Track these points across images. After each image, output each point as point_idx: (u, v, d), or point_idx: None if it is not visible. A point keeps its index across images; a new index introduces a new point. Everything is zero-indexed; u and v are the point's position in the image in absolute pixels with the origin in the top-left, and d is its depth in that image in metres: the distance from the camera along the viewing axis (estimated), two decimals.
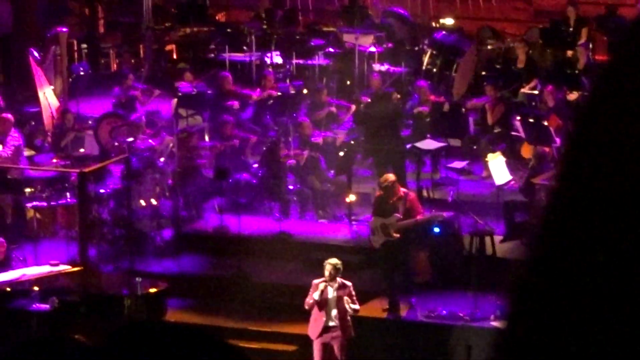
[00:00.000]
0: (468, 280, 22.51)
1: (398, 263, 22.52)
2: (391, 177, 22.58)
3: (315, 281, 20.50)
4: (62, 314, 20.45)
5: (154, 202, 24.77)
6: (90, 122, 26.44)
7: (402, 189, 22.61)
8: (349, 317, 20.67)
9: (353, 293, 20.78)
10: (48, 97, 26.82)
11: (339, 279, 20.59)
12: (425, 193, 24.94)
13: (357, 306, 20.84)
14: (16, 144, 25.03)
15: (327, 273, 20.40)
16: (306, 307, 20.57)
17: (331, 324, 20.58)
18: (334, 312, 20.60)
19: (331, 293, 20.53)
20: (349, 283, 20.73)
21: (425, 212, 22.95)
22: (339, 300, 20.61)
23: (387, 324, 22.10)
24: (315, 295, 20.33)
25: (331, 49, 29.44)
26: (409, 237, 22.46)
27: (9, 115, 25.45)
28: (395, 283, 22.43)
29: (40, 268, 22.30)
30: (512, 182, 24.34)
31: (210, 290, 23.01)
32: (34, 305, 20.61)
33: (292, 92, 27.88)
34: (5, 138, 24.94)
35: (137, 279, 21.15)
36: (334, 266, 20.50)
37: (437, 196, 25.01)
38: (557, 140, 24.68)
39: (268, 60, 29.26)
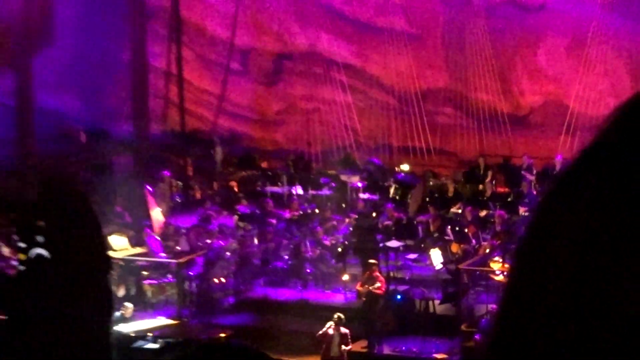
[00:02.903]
0: (418, 328, 22.71)
1: (374, 318, 22.69)
2: (372, 261, 23.16)
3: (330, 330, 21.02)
4: (166, 350, 20.62)
5: (223, 280, 25.06)
6: (183, 230, 26.50)
7: (376, 272, 23.00)
8: (344, 352, 21.14)
9: (349, 337, 21.22)
10: (157, 215, 26.92)
11: (341, 328, 21.03)
12: (391, 274, 24.94)
13: (349, 346, 21.29)
14: (152, 244, 25.44)
15: (335, 318, 20.92)
16: (317, 337, 21.03)
17: (333, 354, 21.04)
18: (336, 348, 21.05)
19: (335, 335, 20.98)
20: (346, 330, 21.16)
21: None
22: (340, 340, 21.04)
23: (366, 356, 22.14)
24: (325, 329, 20.92)
25: (333, 184, 29.57)
26: (380, 302, 22.84)
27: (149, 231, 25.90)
28: (371, 330, 22.66)
29: (152, 321, 22.62)
30: (444, 267, 24.50)
31: (259, 336, 23.11)
32: (148, 345, 21.03)
33: (309, 211, 27.98)
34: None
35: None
36: (339, 317, 21.02)
37: (399, 276, 25.04)
38: (473, 241, 24.99)
39: (294, 192, 29.31)
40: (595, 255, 1.22)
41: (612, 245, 1.21)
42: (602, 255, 1.21)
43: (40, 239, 1.94)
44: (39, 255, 1.97)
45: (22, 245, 2.05)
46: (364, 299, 22.87)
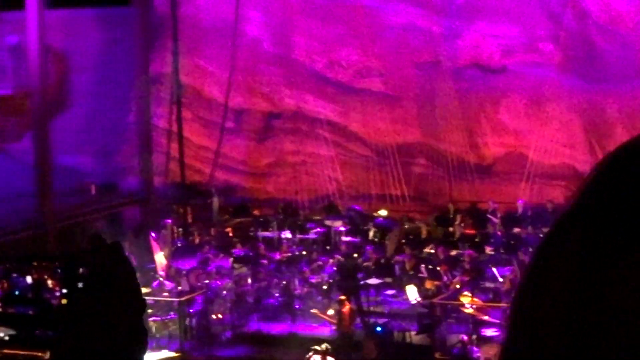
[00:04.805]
0: (396, 357, 22.63)
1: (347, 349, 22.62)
2: (341, 298, 23.28)
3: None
4: None
5: (220, 316, 24.90)
6: (184, 272, 26.37)
7: (344, 308, 22.89)
8: None
9: None
10: (160, 258, 26.91)
11: (328, 357, 20.85)
12: (372, 308, 24.97)
13: None
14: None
15: (322, 347, 20.73)
16: None
17: None
18: None
19: None
20: (332, 359, 20.98)
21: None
22: None
23: None
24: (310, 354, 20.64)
25: (318, 229, 29.34)
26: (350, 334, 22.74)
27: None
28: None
29: (157, 354, 22.48)
30: (419, 301, 24.29)
31: None
32: None
33: (297, 253, 27.80)
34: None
35: None
36: (326, 347, 20.89)
37: (379, 310, 25.02)
38: (444, 277, 24.82)
39: (283, 236, 29.13)
40: (582, 287, 1.27)
41: (596, 279, 1.26)
42: (588, 287, 1.26)
43: (81, 285, 1.88)
44: (80, 299, 1.89)
45: (64, 290, 2.00)
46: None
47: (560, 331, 1.27)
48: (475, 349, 21.06)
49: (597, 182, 1.31)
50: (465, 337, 21.47)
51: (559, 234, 1.33)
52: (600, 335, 1.23)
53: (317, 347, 21.16)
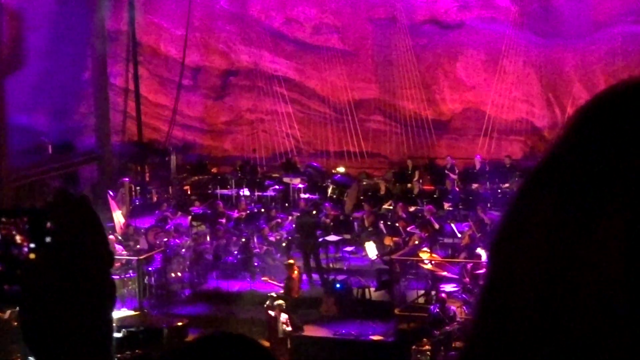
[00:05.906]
0: (356, 313, 22.56)
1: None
2: (290, 262, 23.00)
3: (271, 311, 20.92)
4: (128, 339, 20.38)
5: (179, 274, 24.78)
6: (142, 230, 26.28)
7: (293, 273, 22.62)
8: (288, 334, 21.04)
9: (289, 321, 21.09)
10: (118, 216, 26.66)
11: (282, 314, 20.93)
12: (331, 265, 24.85)
13: (290, 328, 21.15)
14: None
15: (281, 303, 20.80)
16: (265, 316, 20.96)
17: (280, 336, 20.93)
18: (281, 329, 20.95)
19: (280, 320, 20.88)
20: (286, 315, 21.04)
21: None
22: (284, 324, 20.95)
23: (309, 339, 21.84)
24: (269, 311, 20.66)
25: (276, 186, 29.24)
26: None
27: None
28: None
29: (116, 313, 22.24)
30: (378, 258, 24.30)
31: (213, 324, 22.86)
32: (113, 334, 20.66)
33: (256, 211, 27.67)
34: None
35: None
36: (283, 302, 20.93)
37: (338, 266, 24.87)
38: (403, 233, 24.82)
39: (241, 193, 28.97)
40: (560, 243, 1.17)
41: (576, 235, 1.16)
42: (566, 243, 1.17)
43: (48, 239, 1.83)
44: (48, 253, 1.86)
45: (32, 245, 1.93)
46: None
47: (534, 300, 1.18)
48: (452, 307, 20.75)
49: (572, 135, 1.23)
50: (444, 295, 21.06)
51: (531, 191, 1.24)
52: (575, 300, 1.15)
53: (273, 295, 21.27)
